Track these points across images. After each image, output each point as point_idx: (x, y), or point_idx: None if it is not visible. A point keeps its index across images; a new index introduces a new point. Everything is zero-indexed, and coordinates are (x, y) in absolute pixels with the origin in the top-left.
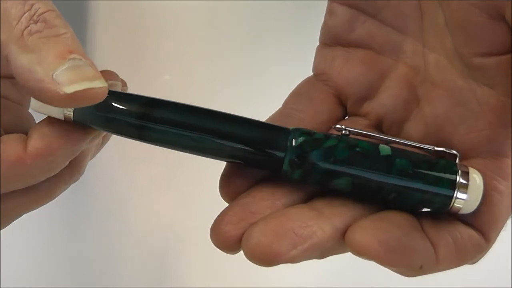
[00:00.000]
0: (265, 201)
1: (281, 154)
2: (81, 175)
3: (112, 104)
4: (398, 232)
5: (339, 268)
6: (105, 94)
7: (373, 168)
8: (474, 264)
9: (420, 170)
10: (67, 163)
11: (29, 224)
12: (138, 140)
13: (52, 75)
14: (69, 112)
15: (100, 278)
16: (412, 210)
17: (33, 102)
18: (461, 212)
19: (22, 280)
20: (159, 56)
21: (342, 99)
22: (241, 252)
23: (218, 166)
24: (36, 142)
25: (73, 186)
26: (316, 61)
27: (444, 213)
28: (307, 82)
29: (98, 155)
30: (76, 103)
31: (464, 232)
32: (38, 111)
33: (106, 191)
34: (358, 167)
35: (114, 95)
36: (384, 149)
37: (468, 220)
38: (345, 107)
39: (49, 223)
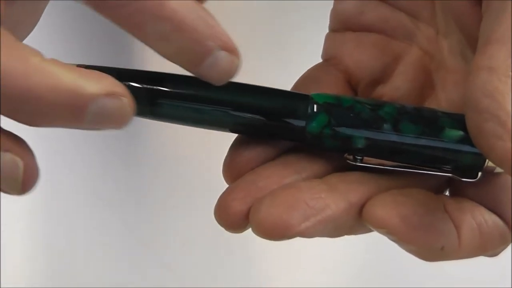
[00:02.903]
0: (272, 177)
1: (303, 121)
2: None
3: (121, 82)
4: (421, 209)
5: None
6: None
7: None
8: (477, 264)
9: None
10: None
11: (29, 225)
12: (150, 118)
13: None
14: None
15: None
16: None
17: None
18: (496, 171)
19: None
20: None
21: (352, 83)
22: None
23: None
24: None
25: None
26: (326, 47)
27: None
28: (316, 67)
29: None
30: None
31: (489, 219)
32: None
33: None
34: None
35: (121, 72)
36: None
37: (492, 207)
38: (356, 91)
39: (49, 223)
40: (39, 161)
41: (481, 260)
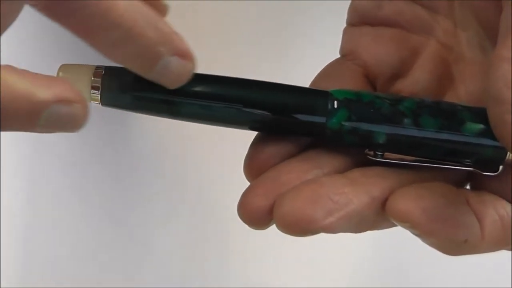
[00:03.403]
0: (294, 173)
1: (323, 117)
2: None
3: (140, 83)
4: (443, 202)
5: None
6: None
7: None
8: (477, 264)
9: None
10: None
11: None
12: (169, 117)
13: None
14: (96, 96)
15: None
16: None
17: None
18: None
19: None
20: None
21: (371, 78)
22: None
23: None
24: None
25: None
26: (344, 41)
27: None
28: (335, 63)
29: None
30: None
31: (511, 211)
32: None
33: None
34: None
35: None
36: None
37: None
38: (374, 85)
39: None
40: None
41: (481, 260)
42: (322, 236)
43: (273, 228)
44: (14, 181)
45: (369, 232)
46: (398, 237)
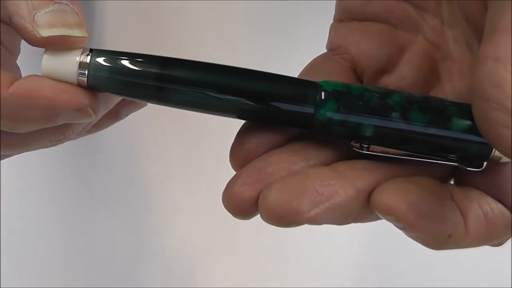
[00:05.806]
0: (281, 164)
1: (311, 108)
2: (65, 139)
3: (128, 67)
4: (428, 196)
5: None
6: (83, 44)
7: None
8: (477, 263)
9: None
10: (49, 124)
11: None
12: (157, 103)
13: (34, 15)
14: (83, 78)
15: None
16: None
17: (44, 65)
18: (502, 160)
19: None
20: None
21: (358, 72)
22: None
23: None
24: (22, 82)
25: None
26: (331, 36)
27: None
28: (322, 57)
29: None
30: (52, 46)
31: (495, 207)
32: (49, 75)
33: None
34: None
35: (129, 56)
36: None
37: (498, 196)
38: (361, 80)
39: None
40: None
41: (481, 259)
42: (321, 236)
43: (272, 227)
44: None
45: (369, 233)
46: (397, 237)
